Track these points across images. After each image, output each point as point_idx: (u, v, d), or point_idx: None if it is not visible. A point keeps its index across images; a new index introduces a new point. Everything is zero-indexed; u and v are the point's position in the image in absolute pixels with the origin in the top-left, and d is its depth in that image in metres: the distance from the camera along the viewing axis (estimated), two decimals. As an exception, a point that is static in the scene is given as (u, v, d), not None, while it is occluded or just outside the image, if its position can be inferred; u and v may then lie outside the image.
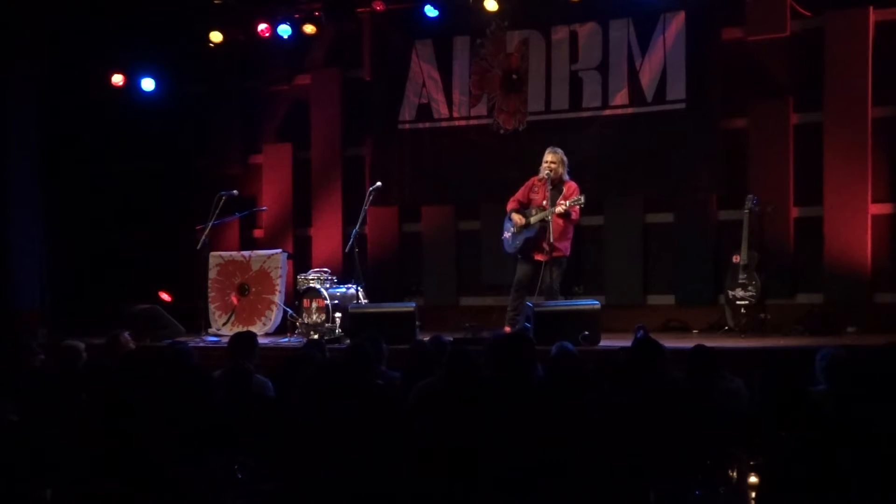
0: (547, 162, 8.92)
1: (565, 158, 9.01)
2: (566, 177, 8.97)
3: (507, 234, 9.17)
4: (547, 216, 8.75)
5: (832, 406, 4.76)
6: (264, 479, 4.62)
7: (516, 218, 9.02)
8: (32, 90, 11.55)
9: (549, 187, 8.86)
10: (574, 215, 8.85)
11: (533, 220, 8.91)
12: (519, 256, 9.07)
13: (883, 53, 9.64)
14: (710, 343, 6.30)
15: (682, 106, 10.13)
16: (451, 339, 7.43)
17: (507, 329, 8.74)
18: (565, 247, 8.92)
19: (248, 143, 12.21)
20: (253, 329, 9.40)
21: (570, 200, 8.75)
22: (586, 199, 9.38)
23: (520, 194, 9.16)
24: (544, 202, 8.88)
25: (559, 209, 8.71)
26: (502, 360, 5.41)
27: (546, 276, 8.75)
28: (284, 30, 11.22)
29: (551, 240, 8.70)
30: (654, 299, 10.57)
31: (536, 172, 9.09)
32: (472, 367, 5.29)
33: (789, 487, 4.10)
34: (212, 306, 10.64)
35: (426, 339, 7.30)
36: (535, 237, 8.89)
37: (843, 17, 9.77)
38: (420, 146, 11.25)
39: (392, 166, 11.25)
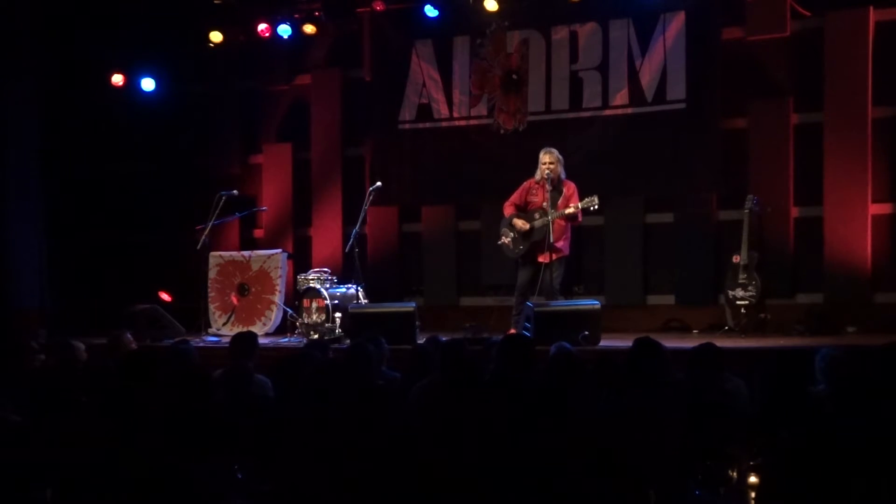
0: (545, 163, 8.87)
1: (561, 158, 8.96)
2: (563, 176, 8.95)
3: (505, 240, 9.09)
4: (549, 220, 8.71)
5: (832, 406, 4.76)
6: (264, 479, 4.62)
7: (519, 223, 8.95)
8: (32, 90, 11.54)
9: (549, 188, 8.83)
10: (580, 217, 8.84)
11: (537, 224, 8.87)
12: (520, 260, 9.06)
13: (883, 53, 9.65)
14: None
15: (682, 106, 10.14)
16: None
17: (513, 331, 8.74)
18: (565, 246, 8.92)
19: (248, 143, 12.22)
20: (253, 329, 9.41)
21: (584, 202, 8.69)
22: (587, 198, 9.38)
23: (516, 197, 9.11)
24: (544, 204, 8.85)
25: (570, 210, 8.69)
26: (502, 360, 5.42)
27: (547, 276, 8.74)
28: (284, 30, 11.23)
29: (552, 240, 8.69)
30: (654, 299, 10.58)
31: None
32: (467, 359, 5.30)
33: (789, 487, 4.10)
34: (212, 306, 10.64)
35: (424, 340, 7.30)
36: (539, 241, 8.87)
37: (843, 17, 9.77)
38: (420, 146, 11.25)
39: (392, 166, 11.25)
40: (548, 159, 8.87)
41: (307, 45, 11.71)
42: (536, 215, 8.91)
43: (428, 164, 11.24)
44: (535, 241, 8.91)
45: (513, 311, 9.11)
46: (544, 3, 10.75)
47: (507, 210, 9.13)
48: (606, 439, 4.39)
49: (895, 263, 9.72)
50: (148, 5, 11.29)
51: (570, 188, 8.92)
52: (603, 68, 10.49)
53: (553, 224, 8.71)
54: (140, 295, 10.53)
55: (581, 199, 8.80)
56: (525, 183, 9.10)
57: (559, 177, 8.89)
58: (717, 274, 10.05)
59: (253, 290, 10.62)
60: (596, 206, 8.76)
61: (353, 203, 10.96)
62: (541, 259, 8.85)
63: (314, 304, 9.55)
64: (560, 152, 9.24)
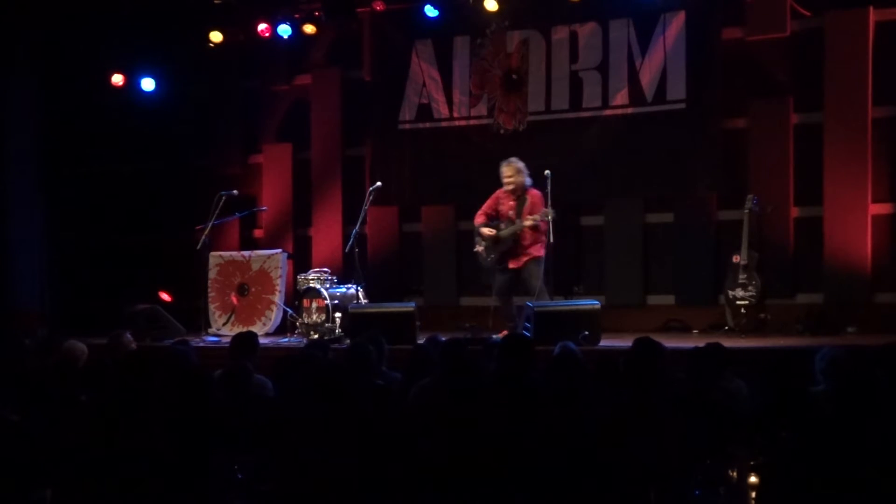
0: (505, 177, 9.06)
1: (521, 166, 9.09)
2: (527, 184, 9.07)
3: (479, 248, 9.26)
4: (517, 229, 8.90)
5: (832, 406, 4.76)
6: (264, 479, 4.62)
7: (486, 232, 9.14)
8: (33, 90, 11.56)
9: (514, 198, 9.01)
10: (542, 226, 8.92)
11: (504, 234, 9.05)
12: (496, 266, 9.17)
13: (883, 53, 9.65)
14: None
15: (682, 106, 10.13)
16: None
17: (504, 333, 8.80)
18: (538, 249, 9.00)
19: (248, 143, 12.21)
20: (253, 329, 9.40)
21: (539, 214, 8.83)
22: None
23: (487, 206, 9.28)
24: (511, 213, 9.03)
25: (528, 223, 8.86)
26: (503, 360, 5.42)
27: (524, 278, 8.93)
28: (284, 30, 11.22)
29: (523, 246, 8.90)
30: (654, 299, 10.57)
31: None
32: (467, 360, 5.30)
33: (789, 487, 4.11)
34: (212, 306, 10.63)
35: (424, 340, 7.31)
36: (509, 249, 9.03)
37: (843, 17, 9.77)
38: (420, 146, 11.25)
39: (392, 166, 11.25)
40: (507, 172, 9.08)
41: (307, 45, 11.70)
42: (502, 225, 9.08)
43: (428, 164, 11.24)
44: (503, 249, 9.06)
45: (501, 315, 9.24)
46: (544, 3, 10.75)
47: (477, 219, 9.31)
48: (606, 439, 4.39)
49: (895, 263, 9.71)
50: (148, 5, 11.29)
51: (533, 196, 9.04)
52: (603, 68, 10.48)
53: (522, 232, 8.90)
54: (140, 295, 10.53)
55: (545, 207, 8.92)
56: (496, 192, 9.25)
57: (523, 186, 9.03)
58: (717, 274, 10.04)
59: (253, 290, 10.61)
60: (549, 217, 8.80)
61: (353, 203, 10.96)
62: (512, 265, 9.03)
63: (314, 304, 9.55)
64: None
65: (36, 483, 4.67)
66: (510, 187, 9.05)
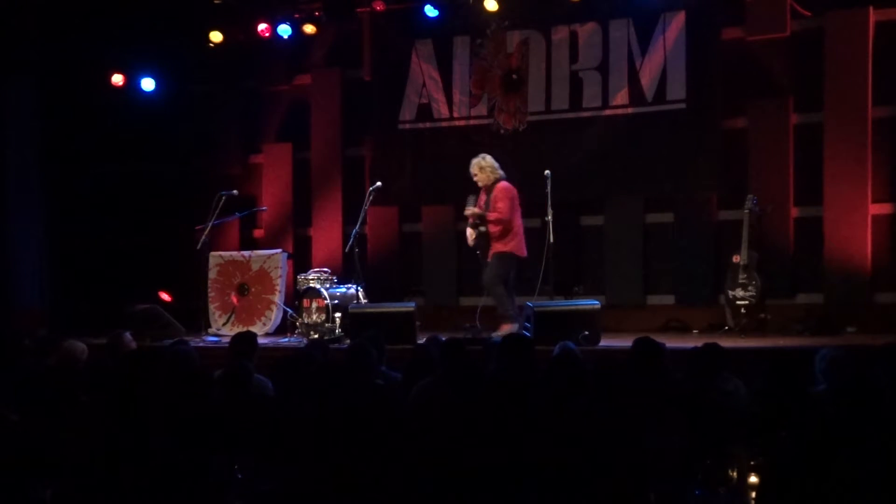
0: (472, 175, 9.17)
1: (486, 163, 9.14)
2: (495, 178, 9.12)
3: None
4: (475, 222, 9.10)
5: (832, 406, 4.76)
6: (264, 479, 4.62)
7: (468, 231, 9.30)
8: (32, 90, 11.54)
9: (486, 193, 9.13)
10: (492, 215, 8.97)
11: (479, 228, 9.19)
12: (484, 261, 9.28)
13: (883, 53, 9.65)
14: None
15: (682, 106, 10.13)
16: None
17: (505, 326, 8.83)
18: (503, 244, 9.01)
19: (248, 143, 12.21)
20: (253, 329, 9.40)
21: (468, 202, 9.12)
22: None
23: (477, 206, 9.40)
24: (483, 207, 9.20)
25: (466, 212, 9.14)
26: (503, 359, 5.43)
27: (486, 271, 9.04)
28: (284, 30, 11.23)
29: (490, 241, 9.03)
30: (654, 299, 10.58)
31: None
32: (467, 360, 5.30)
33: (789, 487, 4.11)
34: (212, 306, 10.64)
35: (424, 340, 7.33)
36: (482, 244, 9.14)
37: (843, 17, 9.77)
38: (420, 146, 11.26)
39: (392, 166, 11.25)
40: (471, 171, 9.18)
41: (307, 45, 11.71)
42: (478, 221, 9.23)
43: (428, 164, 11.24)
44: (480, 244, 9.16)
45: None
46: (544, 3, 10.76)
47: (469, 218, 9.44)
48: (607, 439, 4.39)
49: (895, 263, 9.71)
50: (148, 5, 11.29)
51: (497, 190, 9.09)
52: (603, 68, 10.49)
53: (487, 227, 9.01)
54: (140, 295, 10.53)
55: (506, 201, 8.99)
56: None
57: (492, 180, 9.10)
58: (717, 274, 10.04)
59: (253, 290, 10.62)
60: (467, 212, 9.10)
61: (353, 203, 10.96)
62: (489, 259, 9.12)
63: (314, 304, 9.55)
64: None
65: (36, 483, 4.67)
66: (479, 184, 9.17)
